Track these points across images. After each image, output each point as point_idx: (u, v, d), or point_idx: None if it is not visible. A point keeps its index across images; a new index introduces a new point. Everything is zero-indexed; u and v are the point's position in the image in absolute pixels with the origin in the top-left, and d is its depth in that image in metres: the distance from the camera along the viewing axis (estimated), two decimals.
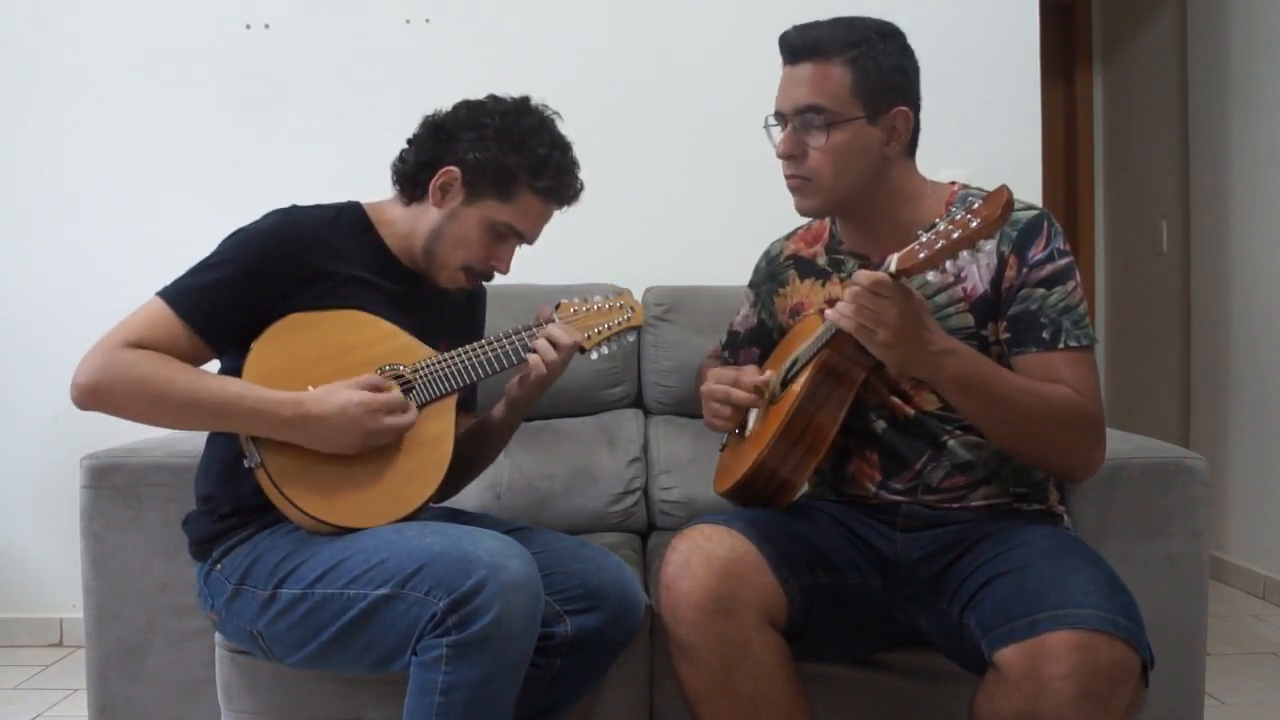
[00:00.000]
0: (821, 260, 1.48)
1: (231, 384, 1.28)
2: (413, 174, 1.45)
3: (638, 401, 2.21)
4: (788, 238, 1.57)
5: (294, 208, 1.41)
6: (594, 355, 1.50)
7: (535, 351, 1.41)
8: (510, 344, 1.43)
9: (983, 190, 1.40)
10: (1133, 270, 3.74)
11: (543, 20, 2.52)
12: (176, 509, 1.48)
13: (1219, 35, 3.11)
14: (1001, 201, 1.06)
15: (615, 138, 2.51)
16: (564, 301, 1.50)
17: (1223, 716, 2.04)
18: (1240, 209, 3.03)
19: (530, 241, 1.49)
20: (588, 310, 1.50)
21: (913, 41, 1.39)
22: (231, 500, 1.37)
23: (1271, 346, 2.88)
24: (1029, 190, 2.49)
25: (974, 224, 1.06)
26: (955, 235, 1.08)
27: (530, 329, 1.44)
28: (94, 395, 1.26)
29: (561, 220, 2.45)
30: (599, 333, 1.49)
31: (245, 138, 2.51)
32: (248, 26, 2.52)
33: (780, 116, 1.35)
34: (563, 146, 1.47)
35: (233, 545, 1.36)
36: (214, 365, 1.39)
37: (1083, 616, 1.08)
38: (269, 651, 1.35)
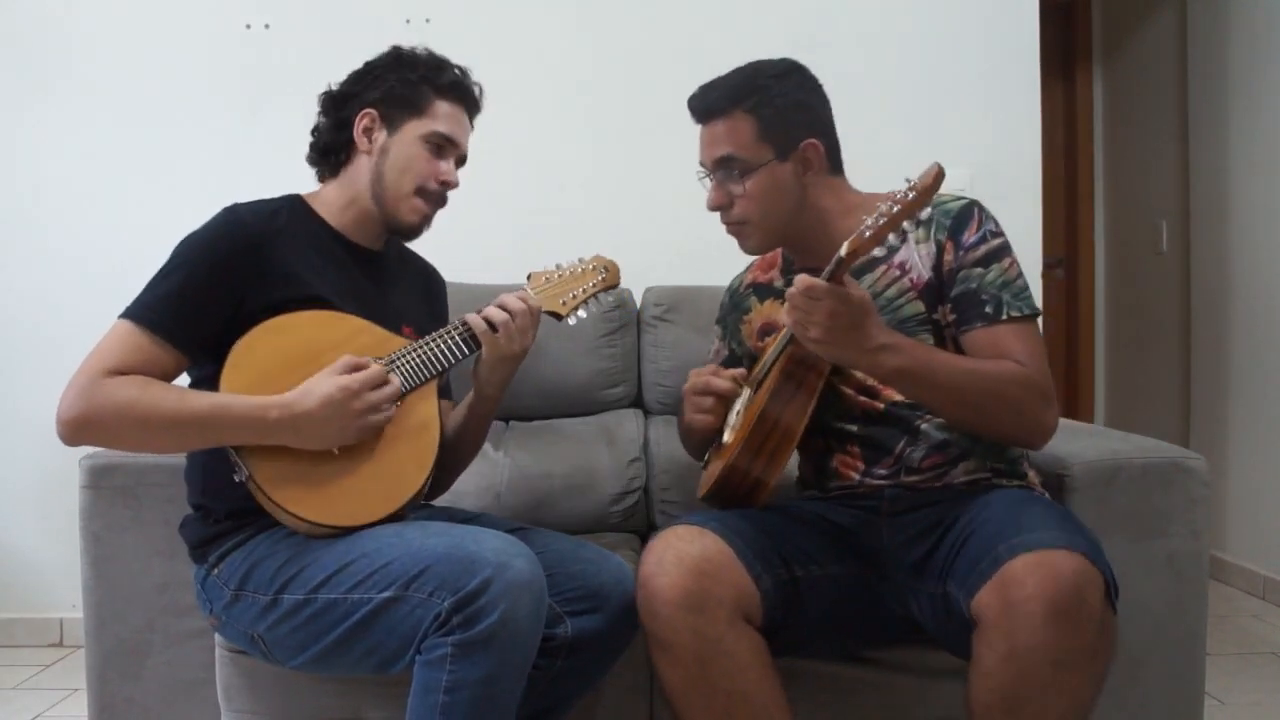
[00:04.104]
0: (779, 283, 1.57)
1: (215, 397, 1.27)
2: (329, 143, 1.47)
3: (638, 401, 2.21)
4: (746, 270, 1.67)
5: (237, 205, 1.40)
6: (571, 320, 1.49)
7: (490, 323, 1.39)
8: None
9: None
10: (1133, 270, 3.74)
11: (543, 21, 2.52)
12: (176, 509, 1.48)
13: (1219, 35, 3.11)
14: (933, 173, 1.13)
15: (615, 138, 2.52)
16: (534, 272, 1.49)
17: (1223, 716, 2.04)
18: (1240, 209, 3.03)
19: (463, 151, 1.50)
20: (560, 277, 1.49)
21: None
22: (225, 506, 1.36)
23: (1271, 346, 2.88)
24: (1029, 190, 2.50)
25: (910, 196, 1.14)
26: (895, 210, 1.14)
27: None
28: (82, 428, 1.24)
29: (561, 220, 2.48)
30: (574, 297, 1.48)
31: (245, 137, 2.51)
32: (248, 26, 2.52)
33: (703, 169, 1.45)
34: (447, 59, 1.50)
35: (229, 550, 1.35)
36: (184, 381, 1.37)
37: (1037, 539, 1.13)
38: (270, 654, 1.35)
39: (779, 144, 1.40)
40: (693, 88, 1.45)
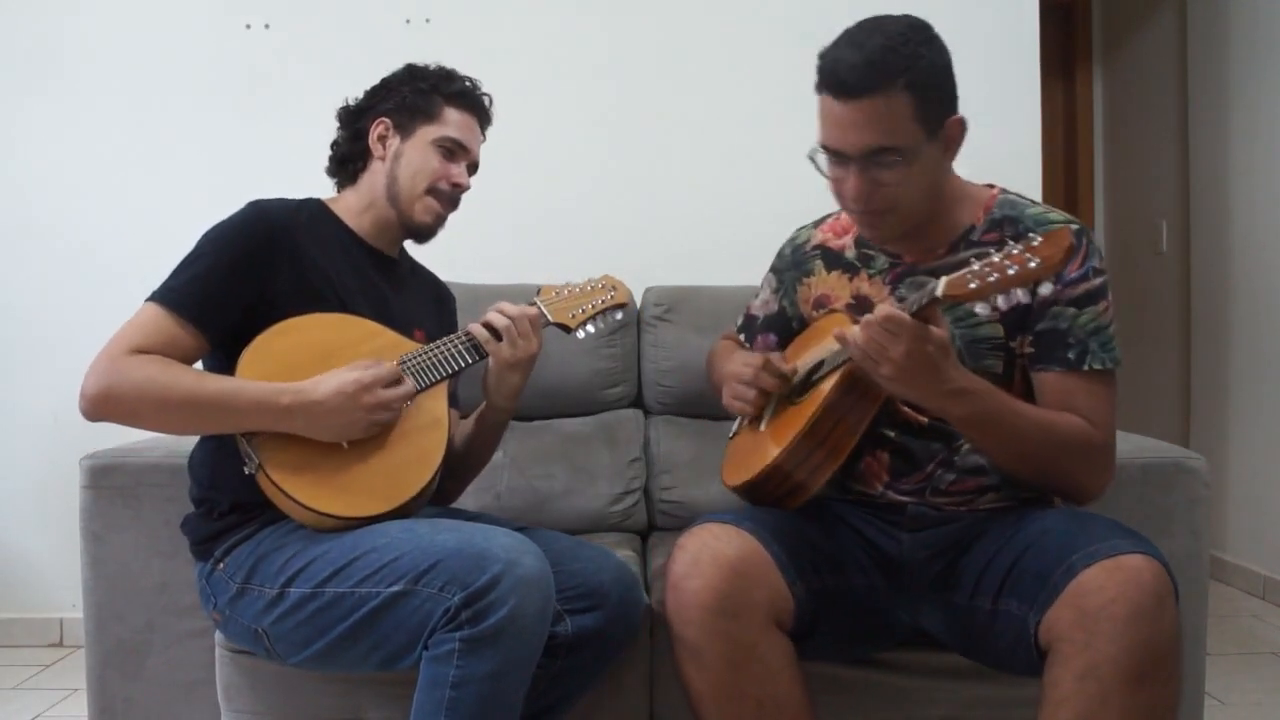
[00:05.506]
0: (850, 254, 1.44)
1: (231, 380, 1.30)
2: (346, 153, 1.54)
3: (638, 401, 2.21)
4: (815, 226, 1.53)
5: (261, 199, 1.45)
6: (580, 334, 1.53)
7: (492, 329, 1.42)
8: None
9: (1021, 197, 1.39)
10: (1133, 270, 3.74)
11: (542, 20, 2.52)
12: (176, 509, 1.48)
13: (1219, 35, 3.11)
14: (1063, 246, 1.04)
15: (615, 137, 2.52)
16: (544, 286, 1.54)
17: (1223, 716, 2.04)
18: (1240, 209, 3.03)
19: (474, 157, 1.56)
20: (570, 293, 1.54)
21: None
22: (229, 499, 1.37)
23: (1272, 346, 2.88)
24: (1029, 190, 2.46)
25: (1032, 264, 1.04)
26: (1011, 272, 1.05)
27: None
28: (103, 403, 1.26)
29: (561, 220, 2.48)
30: (583, 312, 1.53)
31: (245, 137, 2.51)
32: (248, 26, 2.52)
33: (836, 154, 1.24)
34: (457, 71, 1.56)
35: (235, 544, 1.36)
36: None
37: (1112, 546, 1.10)
38: (273, 650, 1.35)
39: (930, 124, 1.21)
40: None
